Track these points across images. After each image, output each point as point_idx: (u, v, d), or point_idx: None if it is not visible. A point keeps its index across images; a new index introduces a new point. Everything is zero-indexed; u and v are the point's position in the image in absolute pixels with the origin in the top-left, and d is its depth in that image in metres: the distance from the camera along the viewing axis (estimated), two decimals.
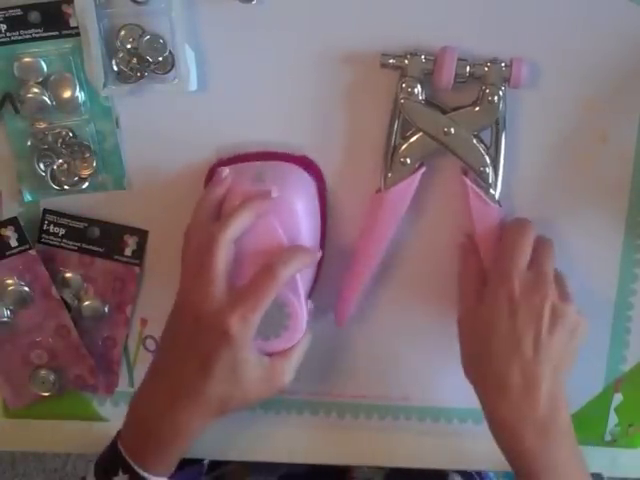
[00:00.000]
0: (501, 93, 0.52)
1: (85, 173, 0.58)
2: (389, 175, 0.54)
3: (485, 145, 0.54)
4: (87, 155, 0.58)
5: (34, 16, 0.54)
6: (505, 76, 0.52)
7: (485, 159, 0.53)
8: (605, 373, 0.62)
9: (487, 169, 0.53)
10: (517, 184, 0.58)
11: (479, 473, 0.75)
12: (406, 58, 0.52)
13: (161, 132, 0.57)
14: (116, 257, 0.60)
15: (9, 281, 0.60)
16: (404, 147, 0.53)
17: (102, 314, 0.61)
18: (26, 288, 0.60)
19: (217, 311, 0.49)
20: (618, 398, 0.63)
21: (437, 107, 0.54)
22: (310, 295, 0.58)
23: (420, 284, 0.60)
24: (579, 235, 0.58)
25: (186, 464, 0.64)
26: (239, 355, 0.49)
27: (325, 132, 0.57)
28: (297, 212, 0.53)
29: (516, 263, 0.51)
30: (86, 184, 0.58)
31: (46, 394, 0.63)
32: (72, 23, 0.54)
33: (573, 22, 0.54)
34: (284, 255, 0.50)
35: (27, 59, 0.55)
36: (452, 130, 0.53)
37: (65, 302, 0.61)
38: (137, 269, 0.60)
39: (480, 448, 0.61)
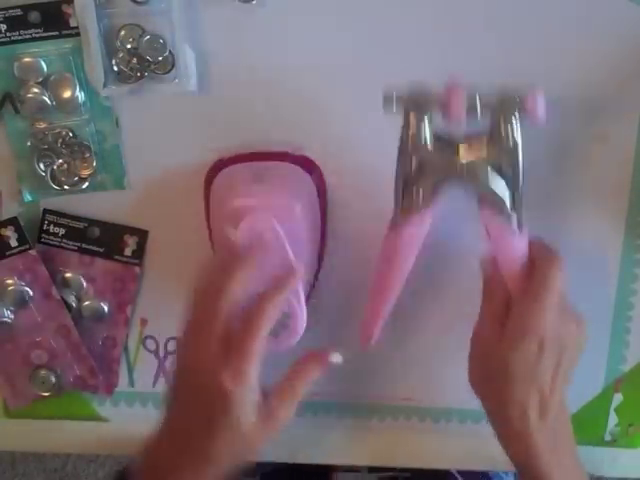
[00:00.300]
0: (515, 121, 0.48)
1: (85, 173, 0.58)
2: (403, 209, 0.51)
3: (502, 173, 0.49)
4: (87, 155, 0.58)
5: (34, 16, 0.54)
6: (519, 106, 0.48)
7: (503, 189, 0.49)
8: (605, 373, 0.62)
9: (505, 198, 0.49)
10: None
11: (480, 473, 0.75)
12: (411, 95, 0.48)
13: (161, 132, 0.58)
14: (116, 257, 0.60)
15: (9, 281, 0.60)
16: (416, 182, 0.50)
17: (102, 314, 0.61)
18: (26, 288, 0.60)
19: (212, 369, 0.46)
20: (618, 398, 0.63)
21: (448, 140, 0.50)
22: (310, 295, 0.58)
23: (424, 292, 0.60)
24: (579, 235, 0.58)
25: None
26: (240, 411, 0.47)
27: (325, 132, 0.57)
28: (297, 212, 0.53)
29: (547, 307, 0.49)
30: (86, 184, 0.58)
31: (46, 394, 0.63)
32: (72, 23, 0.54)
33: (573, 22, 0.54)
34: (266, 295, 0.48)
35: (27, 59, 0.55)
36: (466, 163, 0.49)
37: (65, 302, 0.61)
38: (137, 269, 0.60)
39: (480, 448, 0.61)
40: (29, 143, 0.57)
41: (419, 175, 0.49)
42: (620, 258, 0.59)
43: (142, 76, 0.55)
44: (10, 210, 0.60)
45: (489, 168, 0.49)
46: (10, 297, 0.60)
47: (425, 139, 0.48)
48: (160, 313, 0.62)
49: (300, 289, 0.53)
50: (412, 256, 0.52)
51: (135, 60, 0.54)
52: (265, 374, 0.65)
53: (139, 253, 0.60)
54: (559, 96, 0.56)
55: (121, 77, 0.55)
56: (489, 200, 0.49)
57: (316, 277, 0.59)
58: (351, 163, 0.58)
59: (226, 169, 0.56)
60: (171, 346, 0.63)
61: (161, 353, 0.63)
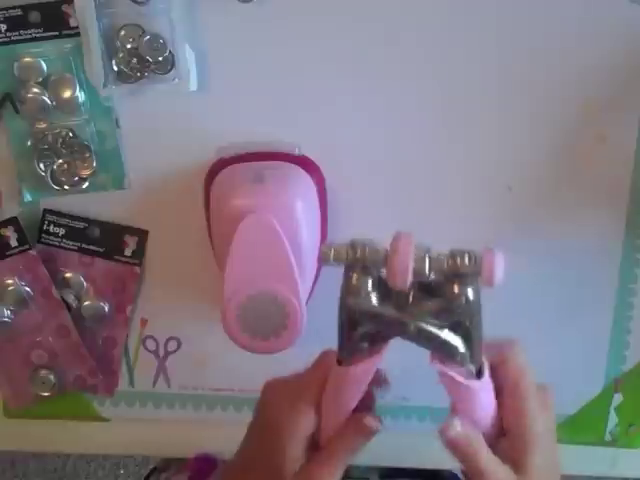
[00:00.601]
0: (471, 293, 0.41)
1: (85, 173, 0.58)
2: (346, 351, 0.45)
3: (456, 330, 0.42)
4: (87, 155, 0.58)
5: (34, 16, 0.54)
6: (474, 272, 0.40)
7: (456, 347, 0.42)
8: (605, 373, 0.62)
9: (460, 354, 0.42)
10: (517, 184, 0.58)
11: None
12: (351, 251, 0.42)
13: (161, 132, 0.58)
14: (116, 257, 0.60)
15: (9, 281, 0.60)
16: (362, 333, 0.44)
17: (102, 314, 0.61)
18: (26, 288, 0.60)
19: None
20: (618, 398, 0.63)
21: (393, 301, 0.43)
22: (310, 295, 0.58)
23: None
24: (579, 235, 0.58)
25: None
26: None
27: (325, 132, 0.57)
28: (297, 212, 0.53)
29: (537, 426, 0.45)
30: (86, 184, 0.58)
31: (46, 394, 0.63)
32: (72, 23, 0.54)
33: (573, 22, 0.54)
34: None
35: (27, 59, 0.55)
36: (412, 328, 0.42)
37: (65, 302, 0.61)
38: (137, 269, 0.60)
39: None
40: (29, 143, 0.57)
41: (365, 325, 0.43)
42: (620, 258, 0.59)
43: (142, 76, 0.55)
44: (10, 210, 0.60)
45: (441, 331, 0.42)
46: (10, 297, 0.60)
47: (367, 299, 0.42)
48: (160, 313, 0.62)
49: (300, 289, 0.53)
50: (361, 389, 0.46)
51: (135, 60, 0.54)
52: (266, 374, 0.65)
53: (139, 253, 0.60)
54: (559, 96, 0.56)
55: (121, 77, 0.55)
56: (443, 357, 0.43)
57: (316, 277, 0.59)
58: (351, 163, 0.58)
59: (226, 169, 0.56)
60: (171, 346, 0.63)
61: (161, 353, 0.63)
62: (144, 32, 0.54)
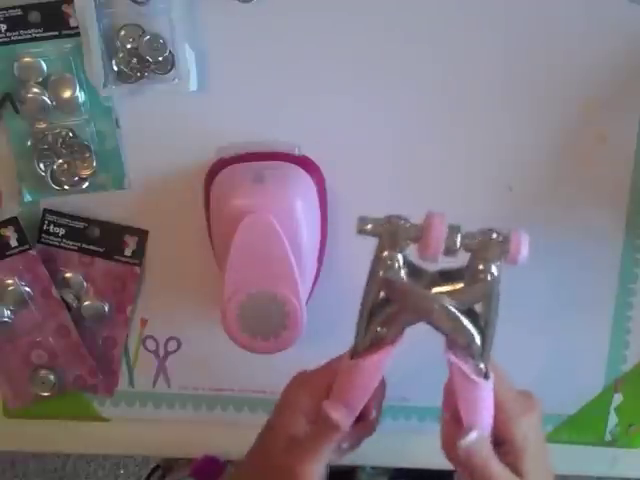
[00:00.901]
0: (495, 270, 0.43)
1: (85, 173, 0.58)
2: (364, 342, 0.46)
3: (474, 318, 0.44)
4: (87, 155, 0.58)
5: (34, 16, 0.54)
6: (502, 250, 0.43)
7: (473, 335, 0.44)
8: (605, 373, 0.62)
9: (475, 344, 0.44)
10: (517, 184, 0.58)
11: None
12: (386, 224, 0.43)
13: (161, 132, 0.58)
14: (116, 257, 0.60)
15: (9, 281, 0.60)
16: (381, 317, 0.45)
17: (102, 314, 0.61)
18: (26, 288, 0.60)
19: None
20: (618, 398, 0.63)
21: (421, 276, 0.45)
22: (310, 295, 0.58)
23: None
24: (579, 235, 0.58)
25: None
26: None
27: (325, 132, 0.57)
28: (297, 212, 0.53)
29: (521, 431, 0.46)
30: (86, 184, 0.58)
31: (46, 394, 0.63)
32: (72, 23, 0.54)
33: (573, 22, 0.54)
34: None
35: (27, 59, 0.55)
36: (437, 307, 0.44)
37: (65, 302, 0.61)
38: (137, 269, 0.60)
39: None
40: (29, 143, 0.57)
41: (386, 310, 0.45)
42: (620, 258, 0.59)
43: (142, 76, 0.55)
44: (10, 210, 0.60)
45: (461, 314, 0.44)
46: (10, 297, 0.60)
47: (398, 273, 0.44)
48: (160, 313, 0.62)
49: (300, 289, 0.53)
50: (369, 390, 0.47)
51: (135, 60, 0.54)
52: (266, 374, 0.65)
53: (139, 253, 0.60)
54: (559, 96, 0.56)
55: (121, 77, 0.55)
56: (457, 344, 0.45)
57: (316, 277, 0.59)
58: (351, 163, 0.58)
59: (226, 169, 0.56)
60: (171, 346, 0.63)
61: (161, 353, 0.63)
62: (144, 32, 0.54)
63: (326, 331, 0.61)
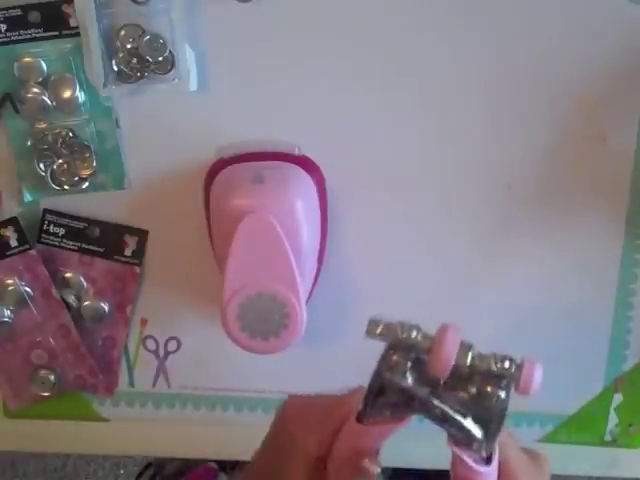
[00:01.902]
0: (503, 395, 0.42)
1: (85, 173, 0.58)
2: (369, 412, 0.45)
3: (479, 421, 0.44)
4: (87, 155, 0.58)
5: (34, 16, 0.54)
6: (513, 377, 0.42)
7: (476, 438, 0.43)
8: (605, 373, 0.62)
9: (477, 442, 0.44)
10: (517, 184, 0.58)
11: None
12: (398, 332, 0.43)
13: (161, 132, 0.58)
14: (116, 257, 0.60)
15: (9, 281, 0.60)
16: (388, 403, 0.45)
17: (102, 314, 0.61)
18: (26, 288, 0.60)
19: None
20: (618, 398, 0.63)
21: (427, 382, 0.44)
22: (310, 295, 0.58)
23: (424, 290, 0.60)
24: (579, 235, 0.58)
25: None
26: None
27: (325, 132, 0.57)
28: (297, 212, 0.53)
29: None
30: (86, 184, 0.58)
31: (46, 394, 0.63)
32: (72, 23, 0.54)
33: (573, 22, 0.54)
34: None
35: (27, 59, 0.55)
36: (440, 412, 0.43)
37: (65, 302, 0.61)
38: (137, 269, 0.60)
39: None
40: (29, 143, 0.57)
41: (393, 397, 0.44)
42: (620, 258, 0.59)
43: (142, 76, 0.55)
44: (10, 210, 0.60)
45: (466, 418, 0.43)
46: (10, 297, 0.60)
47: (404, 379, 0.43)
48: (160, 313, 0.62)
49: (300, 289, 0.53)
50: (375, 450, 0.47)
51: (135, 60, 0.54)
52: (266, 374, 0.65)
53: (139, 253, 0.60)
54: (559, 96, 0.56)
55: (121, 77, 0.55)
56: (460, 441, 0.44)
57: (316, 277, 0.59)
58: (351, 163, 0.58)
59: (226, 169, 0.56)
60: (171, 346, 0.63)
61: (161, 353, 0.63)
62: (144, 32, 0.54)
63: (326, 331, 0.61)
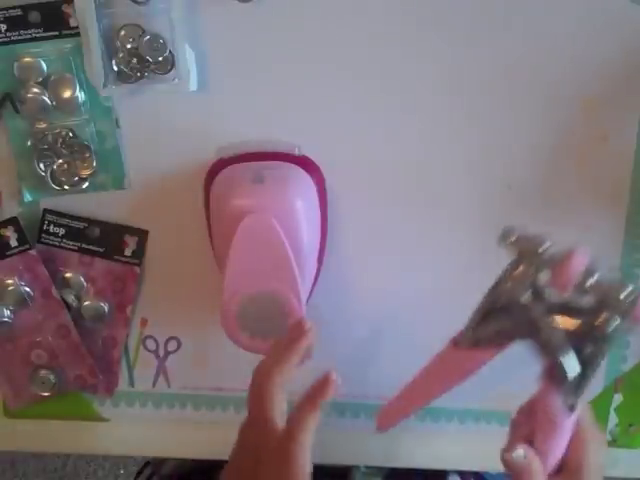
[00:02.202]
0: (615, 324, 0.43)
1: (85, 173, 0.58)
2: (471, 334, 0.48)
3: (581, 357, 0.45)
4: (87, 155, 0.58)
5: (34, 16, 0.54)
6: (627, 308, 0.43)
7: (573, 372, 0.45)
8: (605, 373, 0.62)
9: (571, 382, 0.45)
10: (517, 183, 0.58)
11: (477, 474, 0.75)
12: (531, 243, 0.45)
13: (161, 132, 0.58)
14: (116, 257, 0.60)
15: (9, 281, 0.60)
16: (497, 322, 0.47)
17: (102, 314, 0.61)
18: (26, 288, 0.60)
19: (278, 447, 0.48)
20: (618, 398, 0.63)
21: (543, 300, 0.46)
22: (310, 294, 0.58)
23: (425, 291, 0.60)
24: (579, 235, 0.58)
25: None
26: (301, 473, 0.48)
27: (325, 132, 0.57)
28: (297, 212, 0.53)
29: (594, 467, 0.46)
30: (86, 184, 0.58)
31: (46, 394, 0.63)
32: (72, 23, 0.54)
33: (573, 22, 0.54)
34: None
35: (27, 59, 0.55)
36: (552, 334, 0.45)
37: (65, 302, 0.61)
38: (137, 269, 0.60)
39: (480, 448, 0.61)
40: (29, 143, 0.57)
41: (503, 317, 0.46)
42: (620, 258, 0.59)
43: (142, 76, 0.55)
44: (10, 210, 0.60)
45: (572, 350, 0.45)
46: (10, 297, 0.60)
47: (526, 290, 0.45)
48: (160, 313, 0.62)
49: (300, 289, 0.53)
50: (463, 379, 0.49)
51: (135, 60, 0.54)
52: None
53: (139, 253, 0.60)
54: (559, 96, 0.56)
55: (121, 77, 0.55)
56: (555, 376, 0.45)
57: (316, 277, 0.59)
58: (351, 163, 0.58)
59: (226, 169, 0.56)
60: (171, 346, 0.63)
61: (161, 353, 0.63)
62: (144, 32, 0.54)
63: (326, 331, 0.61)
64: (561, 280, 0.43)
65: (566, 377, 0.44)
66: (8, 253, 0.59)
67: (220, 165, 0.57)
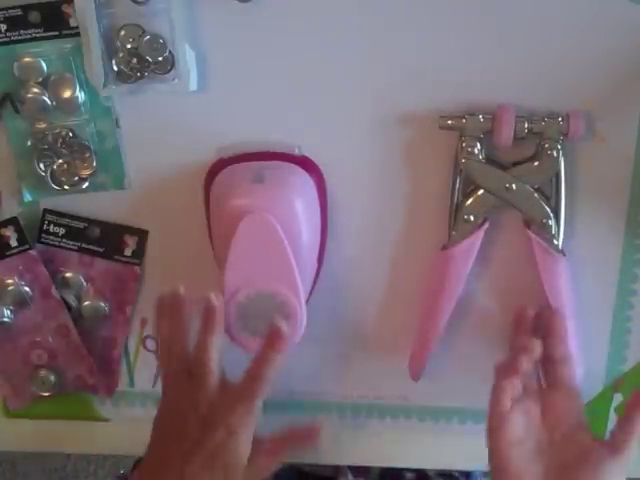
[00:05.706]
0: (559, 147, 0.53)
1: (85, 173, 0.58)
2: (454, 233, 0.55)
3: (546, 197, 0.54)
4: (87, 155, 0.58)
5: (34, 16, 0.54)
6: (563, 130, 0.53)
7: (547, 211, 0.54)
8: (605, 373, 0.62)
9: (550, 221, 0.54)
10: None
11: (466, 474, 0.75)
12: (464, 118, 0.53)
13: (161, 132, 0.58)
14: (116, 257, 0.60)
15: (9, 281, 0.60)
16: (467, 205, 0.55)
17: (102, 314, 0.61)
18: (26, 288, 0.60)
19: (219, 412, 0.51)
20: (618, 398, 0.63)
21: (497, 164, 0.55)
22: (310, 295, 0.58)
23: None
24: (579, 235, 0.58)
25: None
26: (242, 447, 0.51)
27: (325, 132, 0.57)
28: (297, 212, 0.53)
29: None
30: (86, 184, 0.58)
31: (46, 394, 0.63)
32: (72, 23, 0.54)
33: (573, 22, 0.54)
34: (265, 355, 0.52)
35: (27, 59, 0.55)
36: (513, 186, 0.54)
37: (65, 302, 0.61)
38: (137, 269, 0.60)
39: (480, 448, 0.61)
40: (29, 143, 0.57)
41: (469, 197, 0.54)
42: (620, 258, 0.59)
43: (142, 76, 0.55)
44: (10, 210, 0.60)
45: (535, 193, 0.54)
46: (10, 297, 0.60)
47: (477, 159, 0.53)
48: None
49: (300, 289, 0.53)
50: (461, 280, 0.55)
51: (135, 60, 0.54)
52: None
53: (139, 253, 0.60)
54: (559, 96, 0.56)
55: (121, 77, 0.55)
56: (534, 222, 0.54)
57: (316, 277, 0.59)
58: (351, 163, 0.58)
59: (226, 169, 0.56)
60: None
61: None
62: (144, 32, 0.54)
63: (326, 331, 0.61)
64: (501, 135, 0.52)
65: (543, 222, 0.54)
66: (8, 253, 0.59)
67: (220, 165, 0.57)
